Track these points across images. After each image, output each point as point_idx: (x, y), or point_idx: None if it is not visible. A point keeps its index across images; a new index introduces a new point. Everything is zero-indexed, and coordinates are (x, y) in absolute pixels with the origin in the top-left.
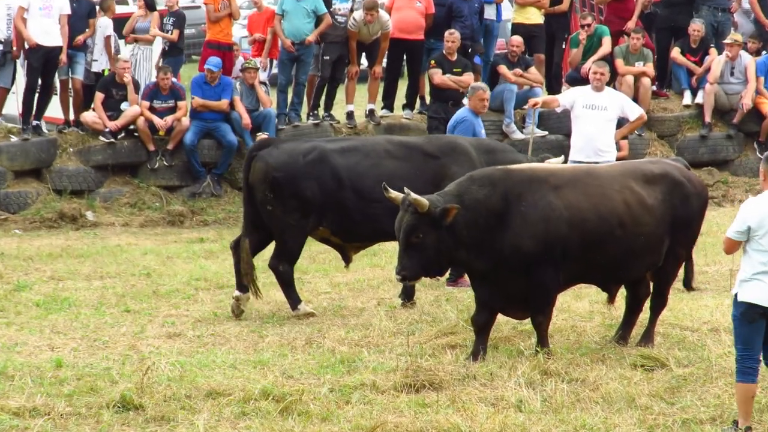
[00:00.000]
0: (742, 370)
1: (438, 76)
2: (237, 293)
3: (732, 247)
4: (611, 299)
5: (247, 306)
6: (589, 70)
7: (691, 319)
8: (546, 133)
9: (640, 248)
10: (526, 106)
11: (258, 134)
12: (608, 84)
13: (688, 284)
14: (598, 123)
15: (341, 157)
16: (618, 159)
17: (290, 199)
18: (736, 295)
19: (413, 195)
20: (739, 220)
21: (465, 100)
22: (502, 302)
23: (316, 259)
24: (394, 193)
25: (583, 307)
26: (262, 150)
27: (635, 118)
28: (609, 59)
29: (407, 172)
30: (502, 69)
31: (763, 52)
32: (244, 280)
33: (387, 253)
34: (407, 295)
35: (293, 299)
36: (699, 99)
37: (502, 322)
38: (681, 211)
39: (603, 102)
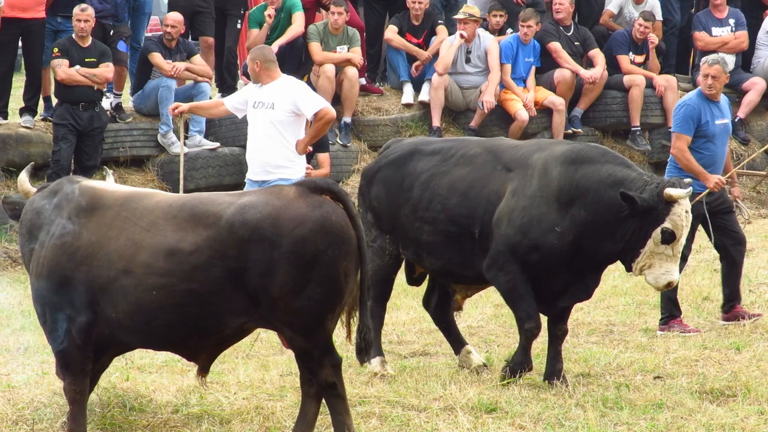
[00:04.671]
0: None
1: (63, 68)
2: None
3: None
4: (201, 371)
5: None
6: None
7: (417, 395)
8: (216, 144)
9: (156, 306)
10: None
11: None
12: (300, 75)
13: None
14: (266, 127)
15: (424, 159)
16: None
17: (365, 212)
18: None
19: (21, 175)
20: None
21: None
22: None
23: None
24: (21, 179)
25: (270, 380)
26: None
27: (312, 115)
28: (301, 42)
29: (467, 184)
30: (156, 58)
31: (509, 31)
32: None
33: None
34: None
35: None
36: (424, 95)
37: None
38: (249, 263)
39: (269, 97)
